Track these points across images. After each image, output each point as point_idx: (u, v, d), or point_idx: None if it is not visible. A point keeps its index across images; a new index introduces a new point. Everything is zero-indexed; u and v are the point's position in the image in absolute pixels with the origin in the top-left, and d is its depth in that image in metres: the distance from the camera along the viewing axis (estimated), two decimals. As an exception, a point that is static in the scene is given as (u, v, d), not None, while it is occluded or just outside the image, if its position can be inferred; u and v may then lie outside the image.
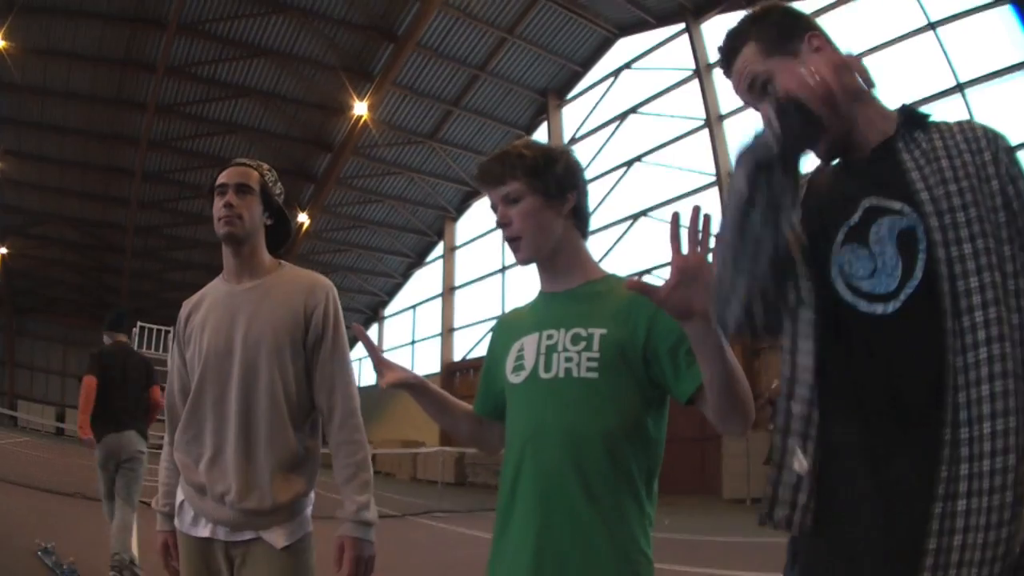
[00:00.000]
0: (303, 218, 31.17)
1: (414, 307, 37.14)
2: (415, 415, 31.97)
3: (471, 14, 23.18)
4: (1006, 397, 1.59)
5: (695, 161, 21.44)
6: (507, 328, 2.63)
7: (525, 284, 27.98)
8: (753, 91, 1.95)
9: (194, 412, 2.86)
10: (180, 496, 2.91)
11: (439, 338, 33.54)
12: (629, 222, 23.34)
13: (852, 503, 1.72)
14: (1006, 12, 15.07)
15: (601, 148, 25.20)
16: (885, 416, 1.68)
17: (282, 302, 2.93)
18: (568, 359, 2.35)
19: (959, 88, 15.30)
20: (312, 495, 2.96)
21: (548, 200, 2.44)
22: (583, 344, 2.34)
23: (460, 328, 32.49)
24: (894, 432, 1.67)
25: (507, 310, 2.95)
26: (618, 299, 2.36)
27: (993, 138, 1.77)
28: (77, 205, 32.90)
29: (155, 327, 24.88)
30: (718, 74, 21.30)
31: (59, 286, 38.99)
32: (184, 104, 26.80)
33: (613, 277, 2.52)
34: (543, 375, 2.38)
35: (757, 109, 1.90)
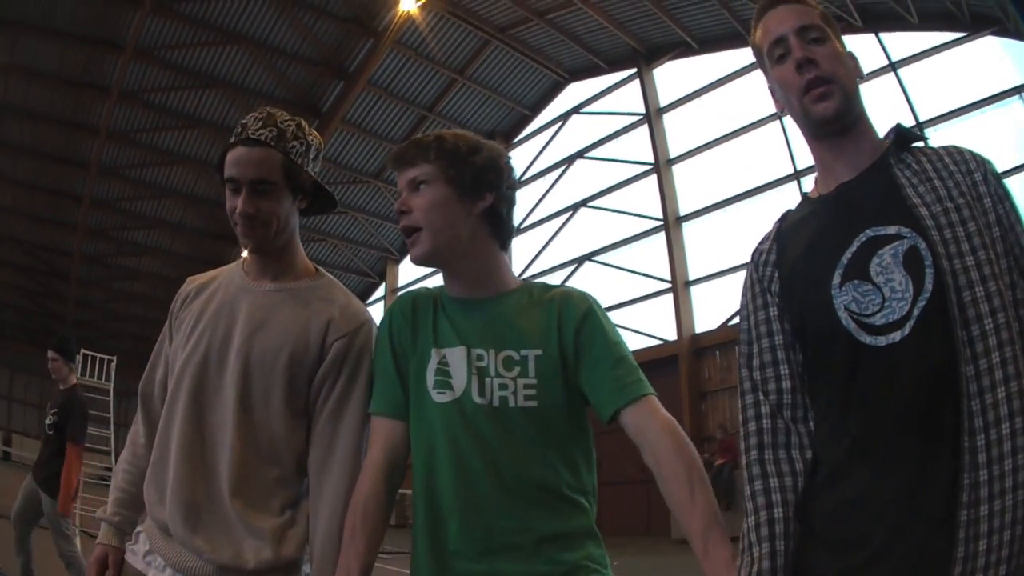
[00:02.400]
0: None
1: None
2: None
3: (424, 54, 23.06)
4: (1022, 397, 1.57)
5: (643, 205, 21.45)
6: (418, 323, 2.25)
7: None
8: (803, 36, 1.85)
9: (164, 428, 2.27)
10: (140, 525, 2.33)
11: (378, 380, 32.93)
12: (574, 266, 23.20)
13: (866, 525, 1.65)
14: (964, 51, 15.45)
15: (547, 191, 25.15)
16: (902, 436, 1.62)
17: (303, 317, 2.30)
18: (503, 386, 2.12)
19: (919, 127, 15.49)
20: (305, 564, 2.24)
21: (460, 192, 2.18)
22: (517, 369, 2.13)
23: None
24: (913, 449, 1.61)
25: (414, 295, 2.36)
26: (545, 307, 2.18)
27: (981, 161, 1.78)
28: (26, 227, 31.70)
29: (99, 356, 24.31)
30: (668, 118, 21.75)
31: (6, 310, 37.83)
32: (136, 131, 26.30)
33: (530, 284, 2.30)
34: (477, 399, 2.10)
35: (780, 59, 1.88)
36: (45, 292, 35.32)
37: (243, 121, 2.31)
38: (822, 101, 1.78)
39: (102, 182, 28.27)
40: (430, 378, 2.16)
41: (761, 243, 1.95)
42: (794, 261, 1.81)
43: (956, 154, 1.78)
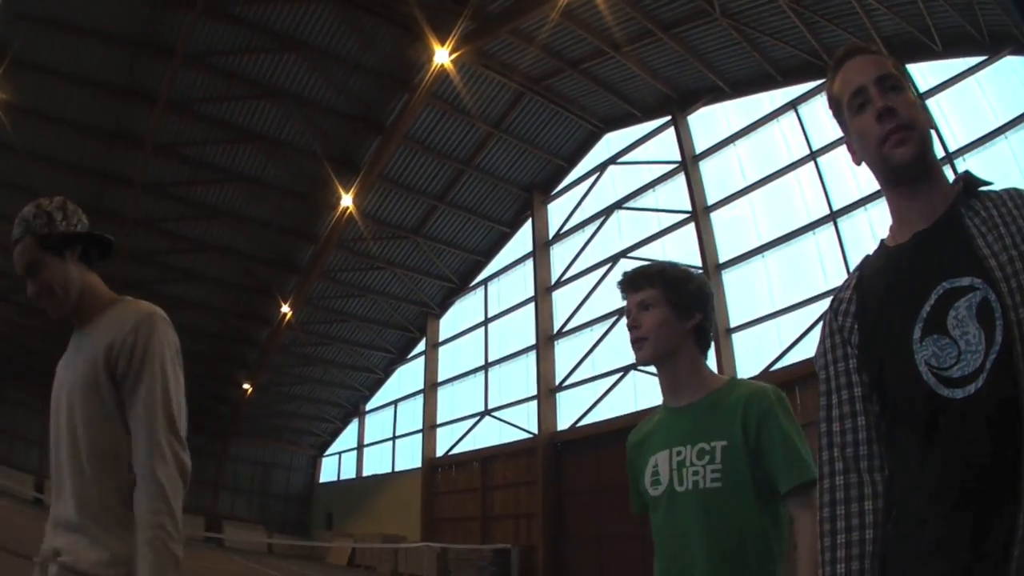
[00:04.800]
0: (286, 309, 30.77)
1: (395, 402, 36.45)
2: (397, 509, 31.00)
3: (459, 108, 22.98)
4: None
5: (681, 254, 21.10)
6: (639, 446, 2.90)
7: (508, 380, 27.71)
8: (882, 86, 1.89)
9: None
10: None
11: (420, 434, 32.79)
12: (615, 318, 22.81)
13: None
14: (987, 75, 15.21)
15: (586, 244, 24.90)
16: (976, 484, 1.61)
17: (95, 340, 2.52)
18: (695, 472, 2.63)
19: (948, 158, 15.13)
20: None
21: (678, 312, 2.74)
22: (707, 458, 2.62)
23: (442, 424, 31.75)
24: (983, 497, 1.60)
25: (633, 431, 3.08)
26: (733, 404, 2.64)
27: None
28: None
29: None
30: (705, 165, 21.38)
31: (38, 355, 38.18)
32: (170, 184, 26.43)
33: (734, 381, 2.80)
34: (677, 488, 2.66)
35: (860, 108, 1.91)
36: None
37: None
38: (901, 146, 1.81)
39: (138, 234, 28.38)
40: (648, 479, 2.78)
41: (841, 291, 1.96)
42: (874, 313, 1.83)
43: (1018, 197, 1.76)
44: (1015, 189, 1.79)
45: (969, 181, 1.84)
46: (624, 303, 2.92)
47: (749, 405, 2.62)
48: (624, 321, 2.89)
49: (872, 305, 1.84)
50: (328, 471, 43.34)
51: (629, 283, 2.87)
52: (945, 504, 1.64)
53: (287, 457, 43.43)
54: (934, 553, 1.64)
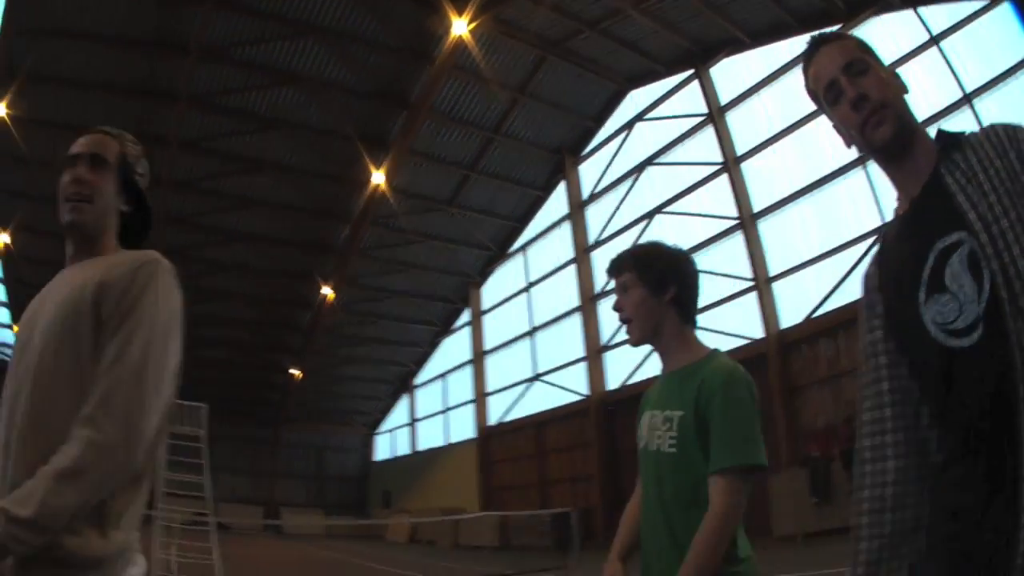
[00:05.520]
0: (326, 291, 31.43)
1: (444, 375, 37.17)
2: (454, 481, 31.68)
3: (481, 76, 23.31)
4: None
5: (716, 206, 21.47)
6: (642, 405, 3.19)
7: (555, 344, 28.42)
8: (849, 73, 2.04)
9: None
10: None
11: (471, 404, 33.62)
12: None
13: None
14: (1001, 12, 15.21)
15: (621, 202, 25.30)
16: (991, 428, 1.75)
17: (83, 276, 2.28)
18: (658, 436, 2.94)
19: (967, 99, 15.33)
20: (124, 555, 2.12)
21: (652, 289, 3.00)
22: (668, 425, 2.92)
23: (493, 393, 32.46)
24: (996, 440, 1.74)
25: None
26: (696, 379, 2.88)
27: (1013, 133, 1.86)
28: None
29: (190, 403, 24.19)
30: (731, 116, 21.66)
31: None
32: (198, 179, 27.11)
33: (710, 356, 3.00)
34: (649, 448, 3.00)
35: (836, 100, 2.07)
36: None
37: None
38: (879, 127, 1.97)
39: (171, 231, 28.59)
40: (638, 436, 3.11)
41: (869, 266, 2.13)
42: (891, 283, 2.00)
43: (993, 136, 1.88)
44: (991, 127, 1.90)
45: (943, 139, 1.97)
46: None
47: (703, 382, 2.84)
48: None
49: (890, 276, 2.01)
50: (382, 449, 44.10)
51: (609, 271, 3.17)
52: (963, 446, 1.80)
53: (340, 438, 44.11)
54: (960, 488, 1.81)
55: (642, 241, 3.42)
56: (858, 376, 2.12)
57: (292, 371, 37.67)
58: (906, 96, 2.05)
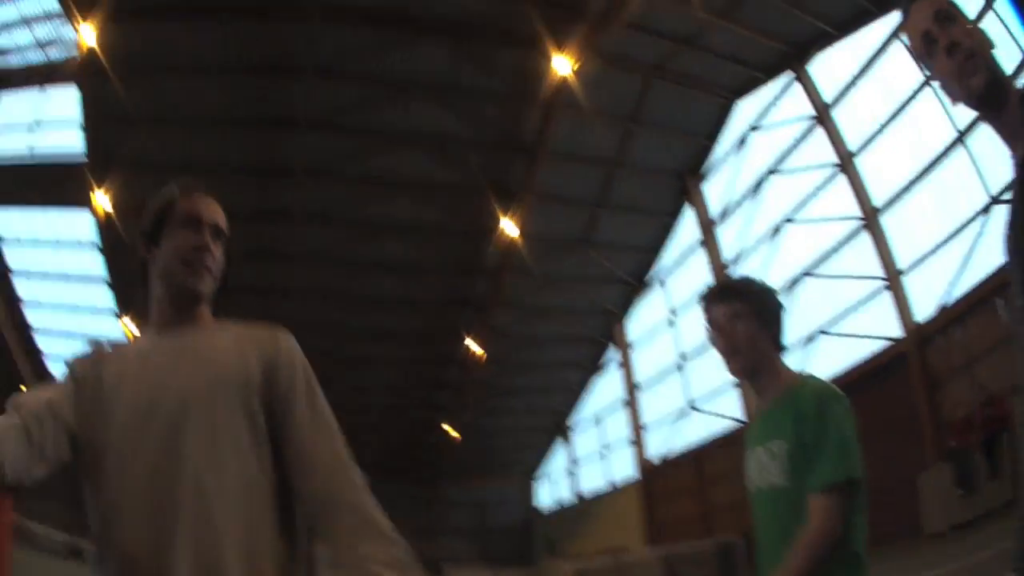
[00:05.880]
0: (472, 346, 32.14)
1: (599, 415, 37.57)
2: (617, 521, 31.90)
3: (591, 111, 23.55)
4: None
5: (839, 207, 21.61)
6: (745, 444, 3.31)
7: (706, 370, 27.97)
8: (940, 22, 2.17)
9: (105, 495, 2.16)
10: None
11: (628, 441, 33.99)
12: (789, 285, 23.37)
13: None
14: None
15: (748, 217, 25.66)
16: None
17: (225, 348, 2.36)
18: (767, 470, 3.07)
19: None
20: None
21: (761, 323, 3.16)
22: (774, 458, 3.05)
23: (649, 427, 32.77)
24: None
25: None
26: (794, 406, 3.03)
27: None
28: None
29: None
30: (837, 112, 21.56)
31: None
32: (331, 250, 28.24)
33: (802, 382, 3.17)
34: (758, 486, 3.13)
35: (931, 52, 2.21)
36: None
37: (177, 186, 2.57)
38: (973, 75, 2.07)
39: (311, 305, 30.22)
40: (746, 475, 3.23)
41: (1004, 230, 2.17)
42: (1018, 222, 2.07)
43: None
44: None
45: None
46: (707, 315, 3.28)
47: (799, 408, 2.99)
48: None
49: (1018, 216, 2.07)
50: (543, 496, 44.62)
51: (718, 296, 3.26)
52: None
53: (500, 490, 44.66)
54: None
55: (738, 275, 3.77)
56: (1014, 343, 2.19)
57: (446, 428, 38.50)
58: (994, 51, 2.15)
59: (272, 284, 28.91)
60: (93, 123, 24.85)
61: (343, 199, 26.59)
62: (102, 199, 25.41)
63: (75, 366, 2.34)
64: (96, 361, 2.33)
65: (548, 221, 27.93)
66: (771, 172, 24.57)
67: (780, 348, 3.24)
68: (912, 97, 18.93)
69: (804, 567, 2.80)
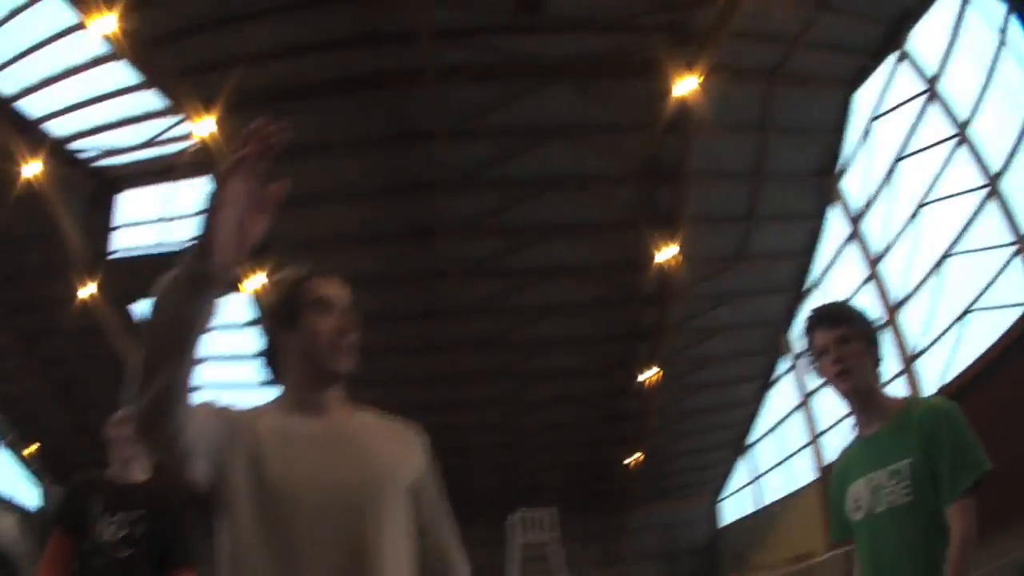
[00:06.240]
0: (647, 375, 32.76)
1: (775, 427, 38.20)
2: (801, 527, 33.00)
3: (721, 126, 24.07)
4: None
5: (967, 181, 22.14)
6: (840, 476, 3.63)
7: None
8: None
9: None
10: None
11: (807, 447, 34.49)
12: (935, 266, 23.99)
13: None
14: None
15: (887, 207, 26.10)
16: None
17: (385, 442, 2.66)
18: (890, 493, 3.22)
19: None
20: None
21: (867, 346, 3.43)
22: (897, 477, 3.23)
23: (826, 431, 33.09)
24: None
25: (836, 462, 4.00)
26: (914, 423, 3.27)
27: None
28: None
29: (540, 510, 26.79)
30: (943, 85, 22.05)
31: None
32: (486, 300, 29.92)
33: (912, 402, 3.54)
34: (876, 510, 3.30)
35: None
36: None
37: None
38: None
39: (474, 358, 32.20)
40: (850, 506, 3.48)
41: None
42: None
43: None
44: None
45: None
46: (813, 339, 3.55)
47: (923, 424, 3.18)
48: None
49: None
50: (727, 514, 44.96)
51: (827, 319, 3.47)
52: None
53: (685, 512, 45.25)
54: None
55: (836, 299, 3.93)
56: None
57: (628, 458, 39.32)
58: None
59: (434, 336, 30.97)
60: None
61: (495, 251, 28.17)
62: (256, 281, 26.46)
63: (234, 413, 2.48)
64: (251, 419, 2.46)
65: (702, 241, 28.17)
66: (899, 159, 25.12)
67: (880, 372, 3.54)
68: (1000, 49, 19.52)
69: (964, 568, 2.99)
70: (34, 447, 50.09)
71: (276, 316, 2.67)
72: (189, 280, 2.09)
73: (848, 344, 3.42)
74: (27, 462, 52.36)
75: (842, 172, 28.23)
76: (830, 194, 28.64)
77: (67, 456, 43.98)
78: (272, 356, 2.70)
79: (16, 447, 50.78)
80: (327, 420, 2.56)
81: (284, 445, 2.40)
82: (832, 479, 3.80)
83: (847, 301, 3.82)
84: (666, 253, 26.50)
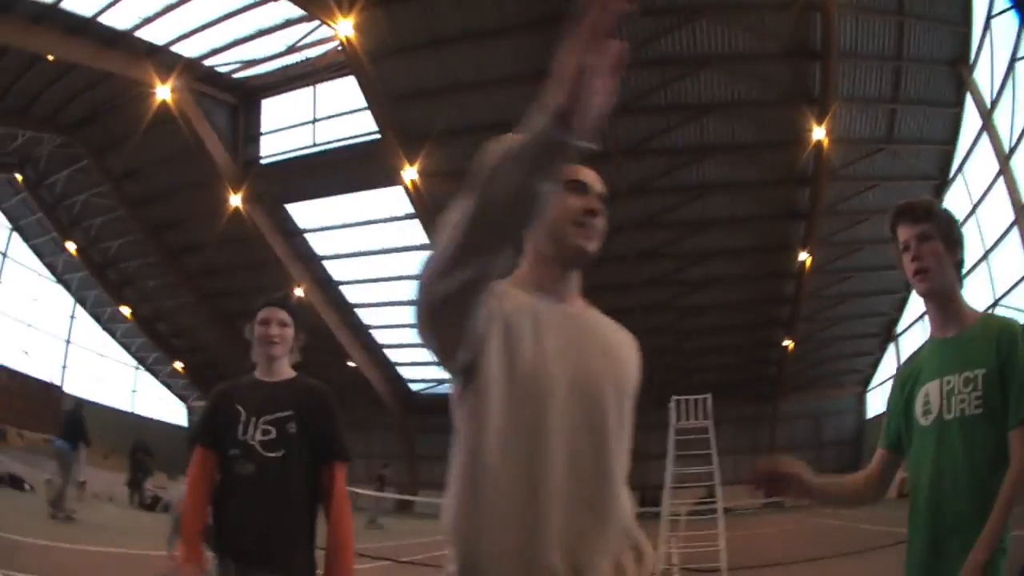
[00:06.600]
0: (803, 257, 34.71)
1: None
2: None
3: (864, 8, 25.50)
4: None
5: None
6: (910, 378, 3.63)
7: (1001, 262, 29.03)
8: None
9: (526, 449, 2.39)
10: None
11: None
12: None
13: None
14: None
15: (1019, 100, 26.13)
16: None
17: (622, 339, 2.76)
18: (962, 400, 3.29)
19: None
20: None
21: (948, 247, 3.46)
22: (971, 386, 3.28)
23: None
24: None
25: (904, 364, 3.84)
26: (989, 335, 3.33)
27: None
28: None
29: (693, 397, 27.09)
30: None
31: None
32: (654, 178, 32.05)
33: (987, 315, 3.55)
34: (946, 416, 3.34)
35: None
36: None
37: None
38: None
39: (641, 236, 34.01)
40: (919, 409, 3.50)
41: None
42: None
43: None
44: None
45: None
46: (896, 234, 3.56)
47: (1001, 337, 3.21)
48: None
49: None
50: (874, 406, 45.14)
51: (909, 214, 3.50)
52: None
53: (834, 402, 46.37)
54: None
55: (923, 197, 3.87)
56: None
57: (784, 343, 40.68)
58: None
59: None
60: (380, 106, 29.71)
61: (658, 126, 30.18)
62: (410, 172, 30.20)
63: (500, 288, 2.48)
64: (499, 298, 2.45)
65: (852, 123, 29.72)
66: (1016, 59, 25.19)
67: (961, 277, 3.49)
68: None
69: (1010, 505, 3.03)
70: (179, 365, 56.38)
71: None
72: (543, 149, 2.01)
73: (928, 242, 3.46)
74: (173, 381, 58.04)
75: (974, 64, 28.33)
76: (964, 85, 28.82)
77: (217, 370, 49.25)
78: None
79: (163, 366, 56.43)
80: (569, 307, 2.62)
81: (535, 328, 2.46)
82: (896, 382, 3.77)
83: (933, 200, 3.96)
84: (819, 133, 28.22)
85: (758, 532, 24.80)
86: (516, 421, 2.37)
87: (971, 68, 28.44)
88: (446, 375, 2.49)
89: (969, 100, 29.06)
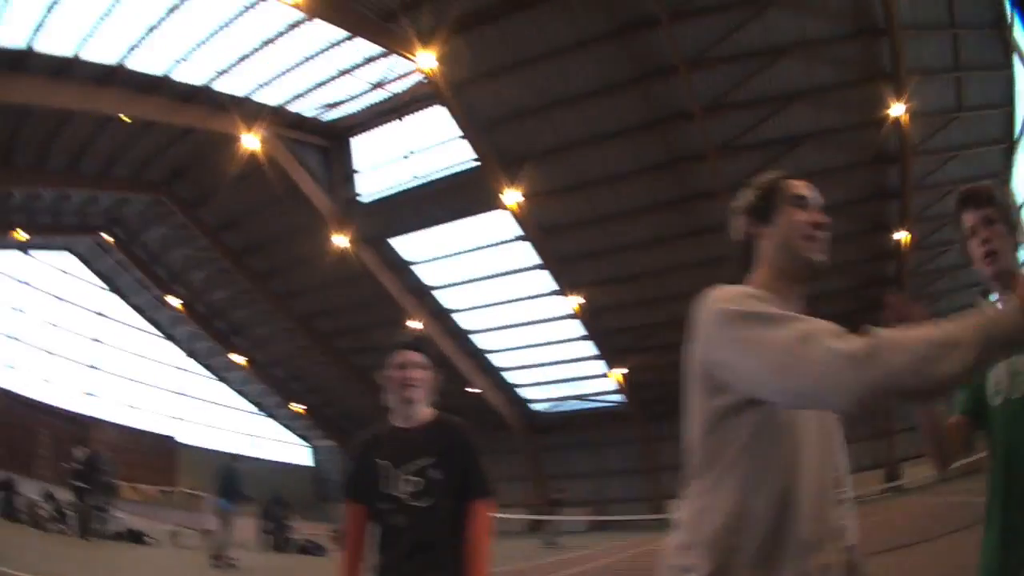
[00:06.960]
0: (900, 235, 35.50)
1: None
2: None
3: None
4: None
5: None
6: None
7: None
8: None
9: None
10: None
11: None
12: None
13: None
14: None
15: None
16: None
17: None
18: None
19: None
20: None
21: (1009, 230, 3.55)
22: None
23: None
24: None
25: None
26: None
27: None
28: (661, 311, 38.39)
29: None
30: None
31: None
32: (748, 175, 33.32)
33: None
34: (1012, 396, 3.41)
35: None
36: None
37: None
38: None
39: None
40: (990, 390, 3.55)
41: None
42: None
43: None
44: None
45: None
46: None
47: None
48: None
49: None
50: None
51: (973, 199, 3.60)
52: None
53: None
54: None
55: (984, 183, 3.95)
56: None
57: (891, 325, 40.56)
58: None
59: (684, 228, 34.85)
60: (474, 132, 30.80)
61: (741, 123, 31.10)
62: (513, 195, 31.45)
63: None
64: None
65: (924, 97, 29.60)
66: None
67: (1020, 258, 3.54)
68: None
69: None
70: (299, 407, 58.13)
71: (755, 211, 2.98)
72: (1011, 341, 2.16)
73: (993, 225, 3.54)
74: (294, 423, 60.39)
75: (1011, 25, 28.09)
76: (1010, 45, 28.97)
77: (338, 410, 52.12)
78: (745, 250, 2.98)
79: (281, 410, 58.43)
80: None
81: None
82: None
83: (994, 184, 3.87)
84: (898, 108, 28.86)
85: (878, 518, 24.47)
86: (778, 441, 2.57)
87: (1010, 29, 28.51)
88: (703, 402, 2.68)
89: (1016, 60, 29.47)
